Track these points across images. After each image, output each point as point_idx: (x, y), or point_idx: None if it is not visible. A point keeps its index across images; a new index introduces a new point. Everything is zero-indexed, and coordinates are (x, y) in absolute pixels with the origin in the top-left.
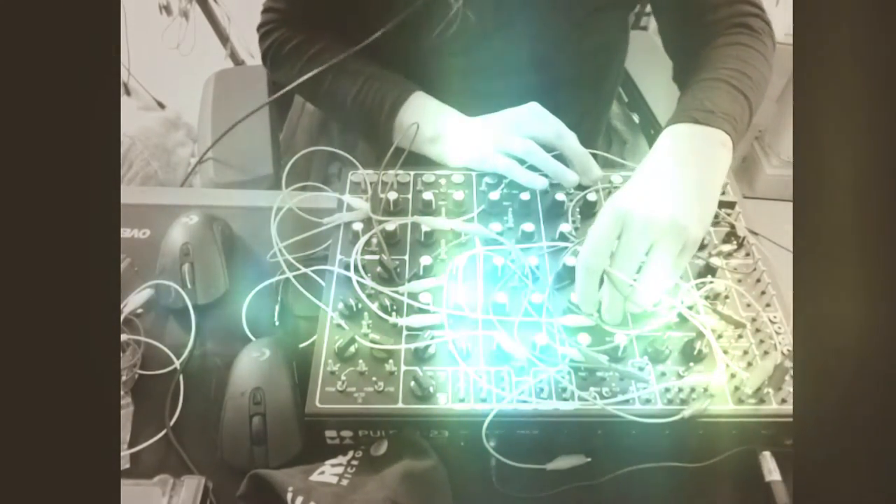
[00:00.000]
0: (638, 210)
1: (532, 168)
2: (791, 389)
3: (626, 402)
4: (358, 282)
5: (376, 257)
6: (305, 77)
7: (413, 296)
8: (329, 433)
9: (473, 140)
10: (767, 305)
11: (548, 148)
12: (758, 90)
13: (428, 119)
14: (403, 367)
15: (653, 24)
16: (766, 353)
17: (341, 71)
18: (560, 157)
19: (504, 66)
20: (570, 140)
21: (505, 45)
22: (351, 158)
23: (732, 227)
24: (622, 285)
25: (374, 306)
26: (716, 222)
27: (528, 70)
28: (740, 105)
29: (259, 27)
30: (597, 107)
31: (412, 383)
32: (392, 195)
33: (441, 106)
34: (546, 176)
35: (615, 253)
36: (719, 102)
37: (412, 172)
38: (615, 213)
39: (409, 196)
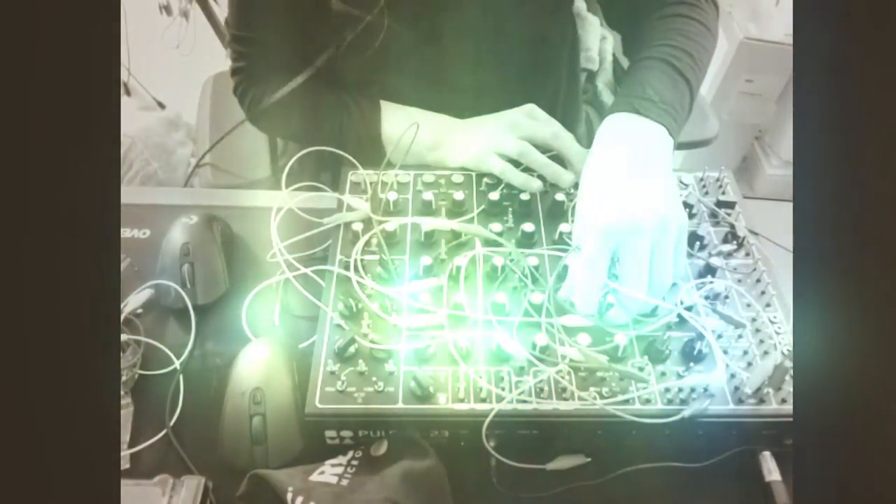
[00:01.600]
0: (628, 221)
1: (529, 170)
2: (791, 389)
3: (626, 402)
4: (358, 282)
5: (376, 257)
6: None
7: (413, 296)
8: (329, 433)
9: (469, 142)
10: (767, 305)
11: (545, 149)
12: (699, 68)
13: (421, 127)
14: (403, 367)
15: None
16: (766, 353)
17: (319, 109)
18: (558, 159)
19: (444, 70)
20: (566, 140)
21: (438, 48)
22: (351, 158)
23: (732, 227)
24: (635, 305)
25: (374, 306)
26: (716, 222)
27: (469, 70)
28: (679, 90)
29: (234, 91)
30: (559, 101)
31: (412, 383)
32: (392, 195)
33: (418, 112)
34: (542, 178)
35: (622, 274)
36: (661, 90)
37: (412, 172)
38: (604, 230)
39: (409, 196)
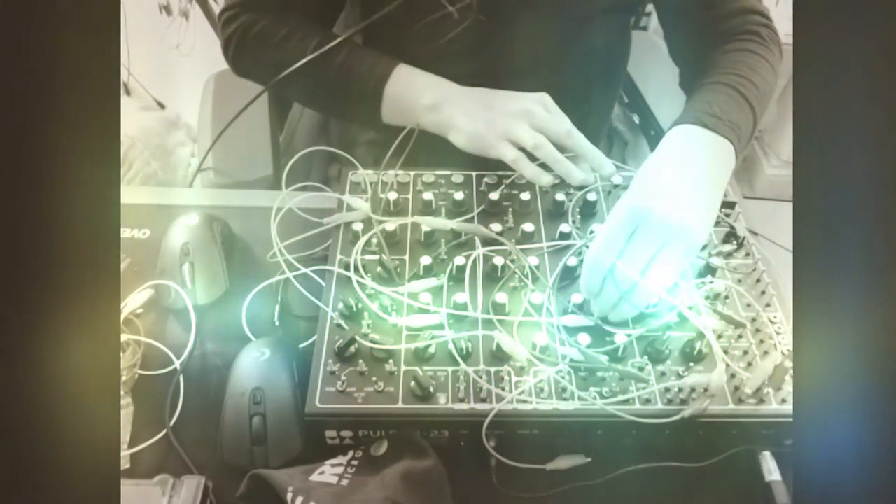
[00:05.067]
0: (654, 210)
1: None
2: (791, 389)
3: (626, 402)
4: (358, 282)
5: (376, 257)
6: (298, 65)
7: (413, 296)
8: (329, 433)
9: (478, 122)
10: (767, 305)
11: (555, 144)
12: (763, 100)
13: (420, 88)
14: (403, 367)
15: (653, 24)
16: (766, 353)
17: (318, 54)
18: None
19: (507, 69)
20: (579, 138)
21: (508, 47)
22: (351, 158)
23: (732, 227)
24: (625, 283)
25: (374, 306)
26: (716, 222)
27: (530, 73)
28: (746, 115)
29: (221, 13)
30: (600, 111)
31: (412, 383)
32: (392, 195)
33: (430, 76)
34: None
35: (625, 250)
36: (727, 109)
37: (412, 172)
38: (630, 210)
39: (409, 196)
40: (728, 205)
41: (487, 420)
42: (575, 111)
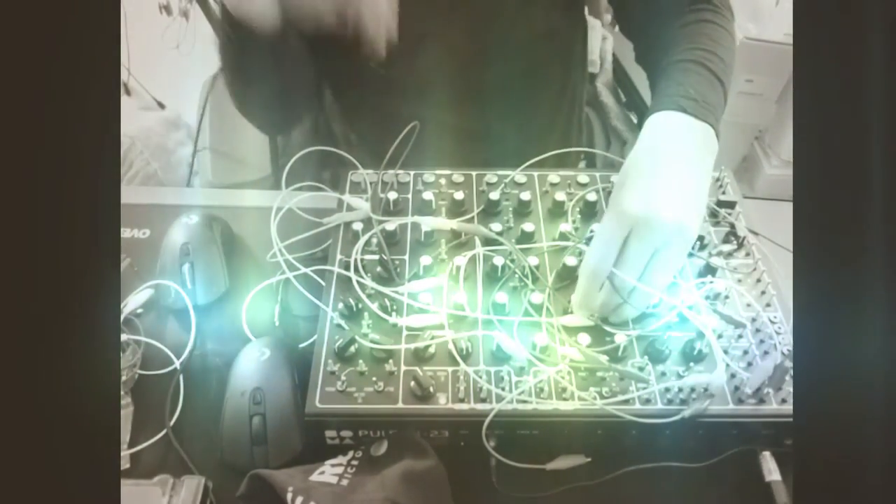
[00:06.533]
0: (647, 214)
1: None
2: (791, 389)
3: (626, 402)
4: (358, 282)
5: (376, 257)
6: None
7: (413, 296)
8: (329, 433)
9: None
10: (767, 305)
11: None
12: (729, 72)
13: None
14: (403, 367)
15: None
16: (766, 353)
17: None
18: None
19: (454, 66)
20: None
21: (449, 45)
22: (351, 158)
23: (732, 227)
24: (624, 289)
25: (374, 306)
26: (716, 222)
27: (477, 66)
28: (717, 93)
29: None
30: (564, 100)
31: (412, 383)
32: (392, 195)
33: None
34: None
35: (620, 256)
36: (702, 91)
37: (412, 172)
38: (622, 217)
39: (409, 196)
40: (728, 205)
41: (487, 420)
42: (533, 101)
